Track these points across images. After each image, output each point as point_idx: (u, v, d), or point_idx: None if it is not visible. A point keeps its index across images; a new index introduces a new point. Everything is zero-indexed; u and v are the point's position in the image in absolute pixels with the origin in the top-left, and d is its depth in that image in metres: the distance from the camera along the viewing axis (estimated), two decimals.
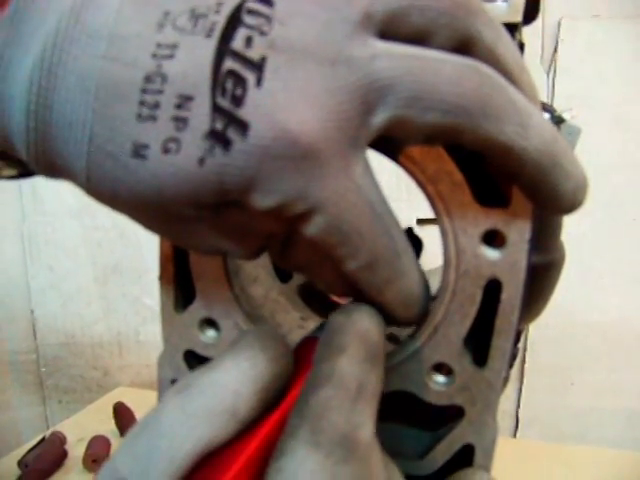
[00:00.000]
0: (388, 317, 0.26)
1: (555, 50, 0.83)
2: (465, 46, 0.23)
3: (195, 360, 0.32)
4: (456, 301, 0.27)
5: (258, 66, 0.21)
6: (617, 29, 0.80)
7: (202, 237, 0.25)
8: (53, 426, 0.90)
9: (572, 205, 0.25)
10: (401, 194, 0.87)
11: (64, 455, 0.79)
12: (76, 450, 0.80)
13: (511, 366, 0.37)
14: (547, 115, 0.33)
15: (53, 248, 1.09)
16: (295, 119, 0.21)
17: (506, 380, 0.30)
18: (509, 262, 0.26)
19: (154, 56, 0.21)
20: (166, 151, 0.21)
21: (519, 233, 0.26)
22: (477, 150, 0.24)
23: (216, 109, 0.21)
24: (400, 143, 0.25)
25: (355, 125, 0.22)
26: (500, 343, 0.27)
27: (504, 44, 0.24)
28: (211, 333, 0.32)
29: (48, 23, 0.22)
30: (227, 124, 0.21)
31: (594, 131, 0.81)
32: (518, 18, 0.29)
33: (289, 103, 0.21)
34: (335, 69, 0.21)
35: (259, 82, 0.21)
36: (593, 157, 0.82)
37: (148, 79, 0.21)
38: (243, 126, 0.21)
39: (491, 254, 0.26)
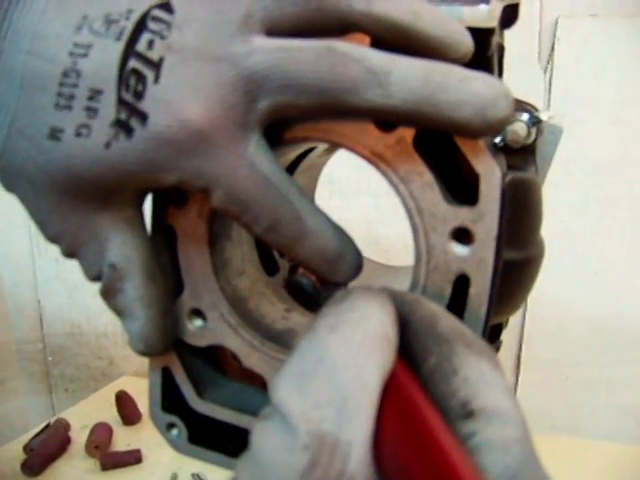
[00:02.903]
0: (323, 277, 0.29)
1: (552, 49, 0.83)
2: (345, 21, 0.26)
3: (183, 348, 0.34)
4: (426, 295, 0.28)
5: (157, 65, 0.25)
6: (614, 28, 0.80)
7: (94, 234, 0.29)
8: (60, 413, 0.92)
9: (483, 126, 0.24)
10: None
11: (68, 441, 0.82)
12: (79, 436, 0.83)
13: None
14: (526, 115, 0.34)
15: None
16: (185, 109, 0.24)
17: None
18: (477, 258, 0.27)
19: (71, 54, 0.25)
20: (78, 135, 0.25)
21: (486, 231, 0.27)
22: (362, 116, 0.27)
23: (121, 102, 0.25)
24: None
25: (240, 112, 0.25)
26: None
27: (384, 2, 0.26)
28: (198, 323, 0.33)
29: None
30: (130, 115, 0.25)
31: (591, 129, 0.82)
32: (494, 23, 0.30)
33: (181, 96, 0.25)
34: (219, 65, 0.25)
35: (157, 79, 0.25)
36: (590, 155, 0.83)
37: (65, 74, 0.25)
38: (143, 116, 0.25)
39: (460, 250, 0.28)
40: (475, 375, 0.21)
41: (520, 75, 0.80)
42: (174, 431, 0.36)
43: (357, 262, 0.29)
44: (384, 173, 0.28)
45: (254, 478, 0.19)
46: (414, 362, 0.22)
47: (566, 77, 0.83)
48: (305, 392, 0.19)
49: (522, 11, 0.35)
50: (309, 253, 0.28)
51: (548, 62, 0.84)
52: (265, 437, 0.19)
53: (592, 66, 0.82)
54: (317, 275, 0.30)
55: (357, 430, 0.19)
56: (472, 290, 0.28)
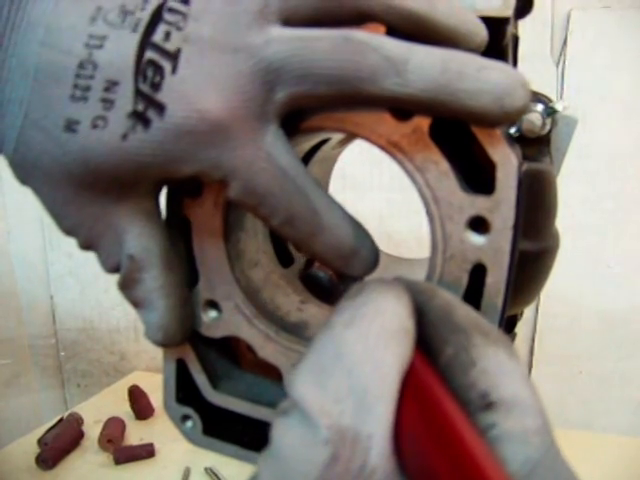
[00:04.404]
0: (338, 272, 0.29)
1: (565, 41, 0.82)
2: (361, 10, 0.26)
3: (197, 339, 0.34)
4: (443, 285, 0.28)
5: (174, 56, 0.25)
6: (627, 20, 0.80)
7: (111, 225, 0.28)
8: (72, 408, 0.92)
9: (500, 115, 0.24)
10: None
11: (81, 435, 0.82)
12: (92, 431, 0.83)
13: None
14: (541, 105, 0.34)
15: None
16: (204, 100, 0.24)
17: None
18: (494, 247, 0.27)
19: (86, 45, 0.25)
20: (95, 127, 0.25)
21: (503, 220, 0.27)
22: (380, 105, 0.27)
23: (138, 93, 0.25)
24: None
25: (259, 102, 0.25)
26: None
27: None
28: (213, 314, 0.33)
29: None
30: (147, 106, 0.25)
31: (604, 122, 0.81)
32: (509, 13, 0.30)
33: (199, 87, 0.24)
34: (237, 56, 0.25)
35: (174, 70, 0.25)
36: (603, 148, 0.82)
37: (81, 65, 0.25)
38: (160, 107, 0.25)
39: (476, 240, 0.27)
40: (493, 366, 0.21)
41: (532, 68, 0.80)
42: (189, 423, 0.36)
43: (373, 257, 0.29)
44: (400, 162, 0.28)
45: (276, 474, 0.19)
46: (431, 352, 0.22)
47: (579, 70, 0.83)
48: (324, 387, 0.19)
49: (535, 3, 0.35)
50: (324, 248, 0.28)
51: (561, 55, 0.83)
52: (285, 433, 0.19)
53: (605, 59, 0.81)
54: (332, 269, 0.30)
55: (377, 423, 0.19)
56: (489, 280, 0.28)
